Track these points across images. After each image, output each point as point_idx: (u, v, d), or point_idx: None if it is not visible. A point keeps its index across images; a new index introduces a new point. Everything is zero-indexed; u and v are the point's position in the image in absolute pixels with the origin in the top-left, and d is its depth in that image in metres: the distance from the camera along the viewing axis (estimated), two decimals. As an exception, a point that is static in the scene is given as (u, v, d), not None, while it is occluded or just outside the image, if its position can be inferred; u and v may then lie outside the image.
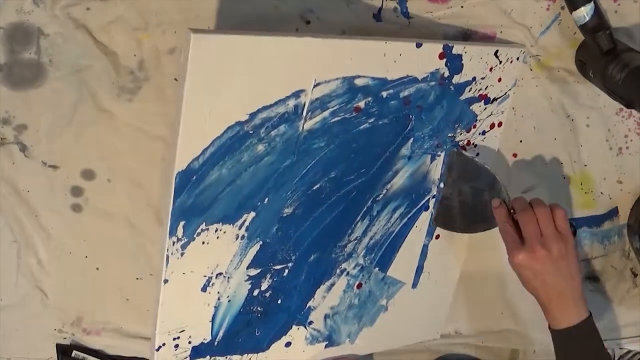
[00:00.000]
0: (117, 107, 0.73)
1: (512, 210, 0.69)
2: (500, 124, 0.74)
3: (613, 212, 0.81)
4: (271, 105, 0.60)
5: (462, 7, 0.72)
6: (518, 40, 0.73)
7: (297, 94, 0.61)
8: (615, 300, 0.84)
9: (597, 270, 0.83)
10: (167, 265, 0.63)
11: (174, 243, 0.62)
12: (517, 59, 0.71)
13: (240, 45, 0.57)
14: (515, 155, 0.78)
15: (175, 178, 0.59)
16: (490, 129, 0.74)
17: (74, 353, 0.82)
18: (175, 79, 0.71)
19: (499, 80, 0.71)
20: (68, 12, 0.69)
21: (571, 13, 0.68)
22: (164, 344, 0.68)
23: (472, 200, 0.73)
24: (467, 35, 0.73)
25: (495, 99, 0.72)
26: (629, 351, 0.86)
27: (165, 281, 0.64)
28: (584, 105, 0.76)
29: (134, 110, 0.73)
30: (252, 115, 0.60)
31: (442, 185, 0.75)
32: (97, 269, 0.79)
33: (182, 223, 0.62)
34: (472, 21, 0.72)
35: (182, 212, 0.61)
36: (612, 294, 0.84)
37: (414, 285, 0.79)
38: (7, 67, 0.71)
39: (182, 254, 0.63)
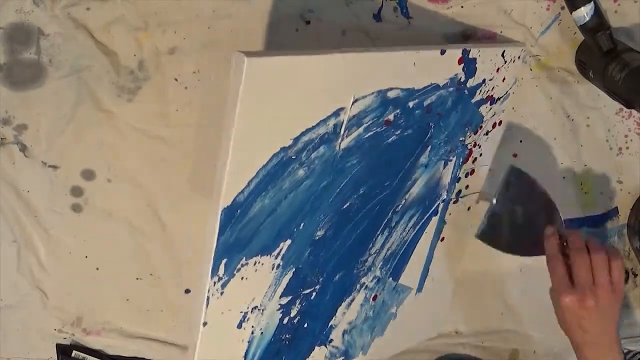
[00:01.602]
0: (117, 107, 0.73)
1: (565, 243, 0.66)
2: (500, 123, 0.74)
3: (613, 212, 0.81)
4: (313, 127, 0.57)
5: (462, 7, 0.72)
6: (518, 40, 0.73)
7: (337, 113, 0.58)
8: (615, 300, 0.84)
9: (597, 270, 0.83)
10: (207, 307, 0.59)
11: (214, 283, 0.58)
12: (519, 57, 0.71)
13: (288, 66, 0.53)
14: (515, 155, 0.78)
15: (221, 215, 0.55)
16: (493, 128, 0.74)
17: (74, 353, 0.82)
18: (176, 79, 0.71)
19: (503, 80, 0.71)
20: (68, 12, 0.69)
21: (571, 13, 0.68)
22: None
23: (523, 222, 0.71)
24: (467, 36, 0.73)
25: (498, 99, 0.72)
26: (629, 351, 0.86)
27: (205, 324, 0.59)
28: (584, 105, 0.76)
29: (134, 110, 0.73)
30: (296, 140, 0.57)
31: (494, 201, 0.73)
32: (97, 269, 0.80)
33: (224, 261, 0.57)
34: (472, 21, 0.72)
35: (225, 250, 0.57)
36: (612, 294, 0.84)
37: (420, 289, 0.79)
38: (7, 67, 0.71)
39: (221, 294, 0.59)
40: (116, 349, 0.83)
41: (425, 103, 0.65)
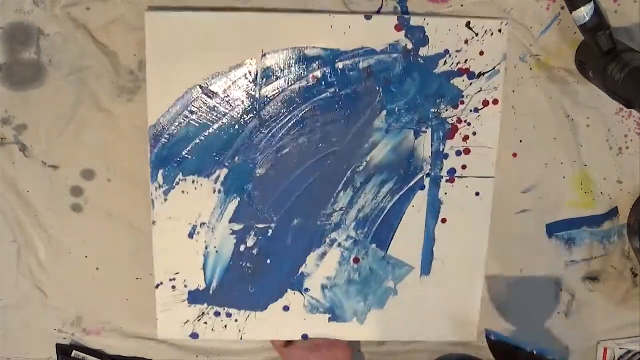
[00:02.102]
0: (117, 107, 0.73)
1: None
2: (496, 102, 0.74)
3: (613, 212, 0.81)
4: (225, 72, 0.70)
5: (462, 6, 0.72)
6: (518, 40, 0.73)
7: (247, 63, 0.70)
8: (615, 300, 0.84)
9: (597, 271, 0.83)
10: (153, 208, 0.74)
11: (156, 189, 0.73)
12: (500, 31, 0.72)
13: (190, 20, 0.68)
14: (515, 155, 0.78)
15: (149, 131, 0.71)
16: (484, 106, 0.74)
17: (74, 353, 0.82)
18: (175, 79, 0.71)
19: (481, 53, 0.72)
20: (68, 12, 0.69)
21: (571, 13, 0.68)
22: (161, 283, 0.77)
23: None
24: (467, 35, 0.73)
25: (482, 74, 0.73)
26: (629, 351, 0.86)
27: (154, 222, 0.75)
28: (584, 105, 0.76)
29: (134, 110, 0.73)
30: (209, 80, 0.70)
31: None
32: (97, 269, 0.80)
33: (161, 171, 0.73)
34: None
35: (160, 162, 0.72)
36: (612, 294, 0.84)
37: (426, 272, 0.79)
38: (7, 67, 0.71)
39: (165, 200, 0.74)
40: (116, 349, 0.83)
41: (362, 66, 0.71)
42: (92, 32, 0.70)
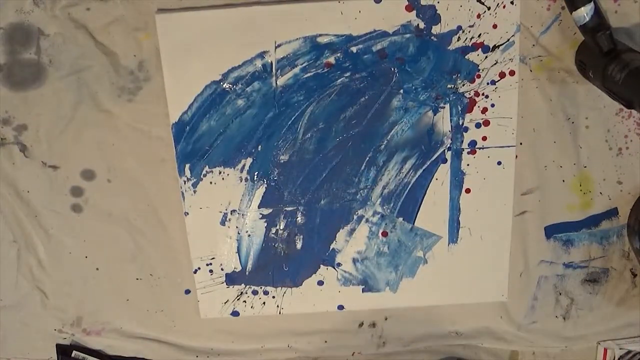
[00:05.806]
0: (117, 107, 0.73)
1: None
2: (512, 73, 0.74)
3: (612, 213, 0.81)
4: (240, 66, 0.71)
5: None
6: (518, 39, 0.73)
7: (261, 55, 0.71)
8: (615, 301, 0.84)
9: (596, 271, 0.83)
10: (184, 200, 0.77)
11: (185, 182, 0.76)
12: (512, 2, 0.72)
13: (201, 19, 0.69)
14: (515, 157, 0.78)
15: (172, 128, 0.73)
16: (501, 78, 0.74)
17: (74, 353, 0.82)
18: (175, 79, 0.72)
19: (494, 26, 0.72)
20: (68, 13, 0.69)
21: (571, 13, 0.68)
22: (199, 268, 0.80)
23: None
24: (467, 36, 0.73)
25: (497, 47, 0.73)
26: (629, 351, 0.86)
27: (186, 213, 0.77)
28: (583, 106, 0.76)
29: (134, 110, 0.73)
30: (225, 75, 0.72)
31: None
32: (97, 269, 0.80)
33: (187, 165, 0.75)
34: (472, 21, 0.72)
35: (185, 156, 0.75)
36: (612, 295, 0.84)
37: (453, 240, 0.80)
38: (7, 67, 0.71)
39: (194, 192, 0.76)
40: (116, 349, 0.83)
41: (375, 48, 0.72)
42: (92, 32, 0.70)
